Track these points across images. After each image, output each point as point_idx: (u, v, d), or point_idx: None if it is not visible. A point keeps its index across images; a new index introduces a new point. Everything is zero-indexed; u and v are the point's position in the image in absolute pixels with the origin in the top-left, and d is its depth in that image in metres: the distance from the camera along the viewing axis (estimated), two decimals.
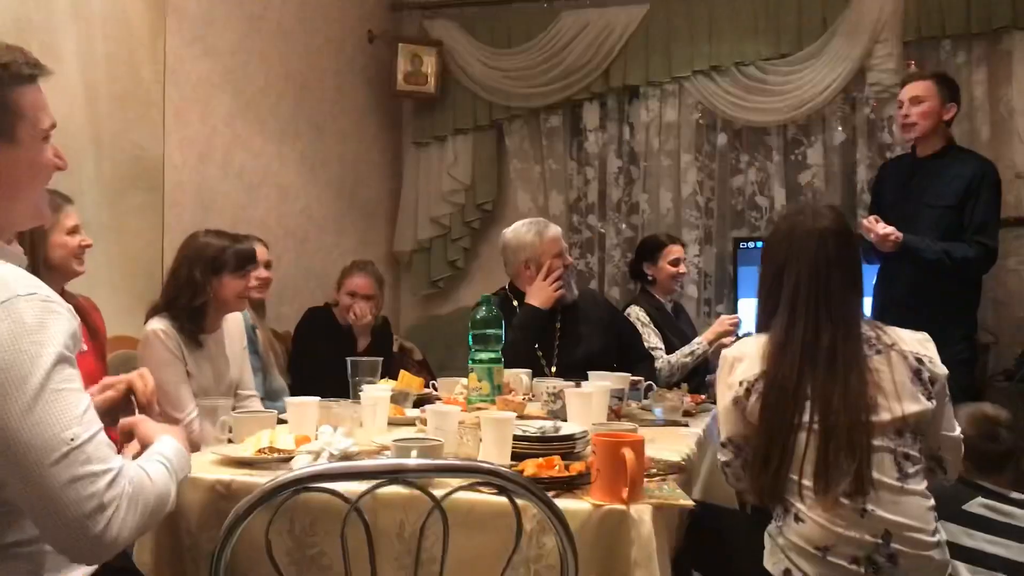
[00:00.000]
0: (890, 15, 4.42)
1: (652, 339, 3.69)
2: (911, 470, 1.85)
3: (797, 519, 1.85)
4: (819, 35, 4.54)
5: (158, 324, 2.57)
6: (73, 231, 2.45)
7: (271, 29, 4.01)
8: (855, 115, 4.64)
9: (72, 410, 1.16)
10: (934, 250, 3.31)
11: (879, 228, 3.28)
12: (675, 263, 3.86)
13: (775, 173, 4.71)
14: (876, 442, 1.82)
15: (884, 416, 1.83)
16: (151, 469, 1.30)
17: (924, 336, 1.95)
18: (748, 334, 3.77)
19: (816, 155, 4.65)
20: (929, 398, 1.87)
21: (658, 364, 3.61)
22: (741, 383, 1.91)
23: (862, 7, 4.47)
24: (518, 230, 3.28)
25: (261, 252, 3.37)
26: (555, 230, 3.27)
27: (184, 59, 3.45)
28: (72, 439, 1.14)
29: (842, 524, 1.80)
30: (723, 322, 3.75)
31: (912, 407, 1.85)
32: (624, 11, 4.80)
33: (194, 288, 2.59)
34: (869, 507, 1.80)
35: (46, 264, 2.35)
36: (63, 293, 2.38)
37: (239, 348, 2.84)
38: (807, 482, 1.82)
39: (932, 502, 1.87)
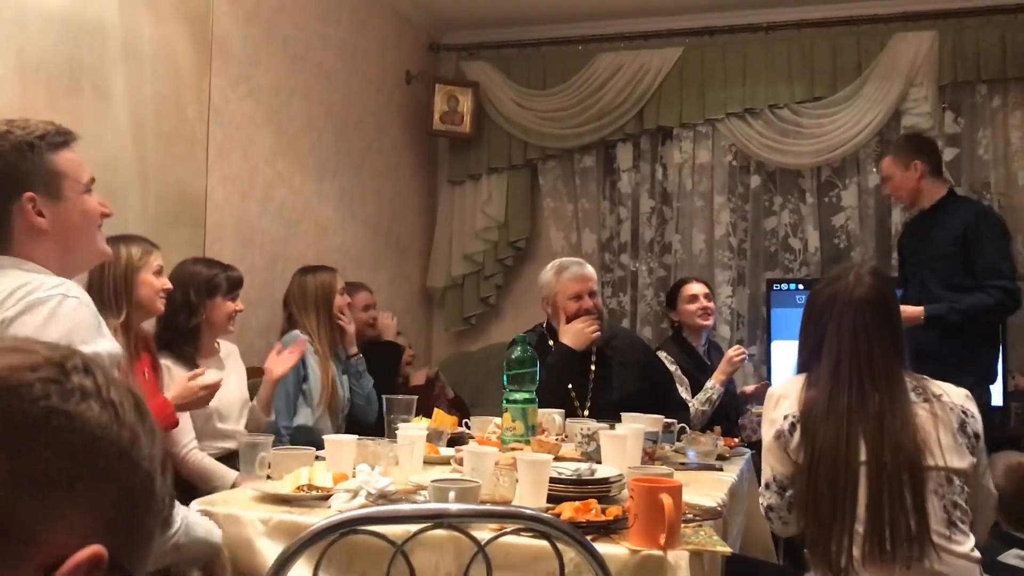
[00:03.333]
0: (925, 59, 4.44)
1: (679, 388, 3.67)
2: (960, 523, 1.82)
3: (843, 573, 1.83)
4: (854, 78, 4.56)
5: (165, 360, 2.67)
6: (158, 272, 2.57)
7: (312, 70, 4.10)
8: None
9: None
10: (956, 310, 3.38)
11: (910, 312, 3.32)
12: (692, 300, 3.84)
13: (808, 215, 4.71)
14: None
15: (929, 462, 1.81)
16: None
17: (967, 393, 1.95)
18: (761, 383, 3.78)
19: (851, 197, 4.65)
20: (972, 453, 1.86)
21: None
22: (785, 417, 1.91)
23: (897, 51, 4.49)
24: (546, 267, 3.27)
25: (341, 280, 3.43)
26: (575, 271, 3.15)
27: (228, 99, 3.54)
28: None
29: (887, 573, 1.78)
30: (729, 359, 3.70)
31: (957, 461, 1.83)
32: (658, 53, 4.86)
33: (189, 309, 2.74)
34: (914, 563, 1.77)
35: (133, 300, 2.47)
36: (140, 329, 2.57)
37: (243, 372, 2.97)
38: (856, 549, 1.79)
39: (979, 555, 1.85)
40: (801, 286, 4.43)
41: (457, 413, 3.47)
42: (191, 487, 2.48)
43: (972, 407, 1.91)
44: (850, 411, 1.85)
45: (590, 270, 3.21)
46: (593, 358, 3.16)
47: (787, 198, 4.80)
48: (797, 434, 1.88)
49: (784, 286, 4.49)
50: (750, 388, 4.01)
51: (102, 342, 1.44)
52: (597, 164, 5.11)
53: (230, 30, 3.54)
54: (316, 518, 1.55)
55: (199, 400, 2.41)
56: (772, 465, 1.94)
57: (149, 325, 2.71)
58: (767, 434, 1.96)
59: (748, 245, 4.81)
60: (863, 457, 1.82)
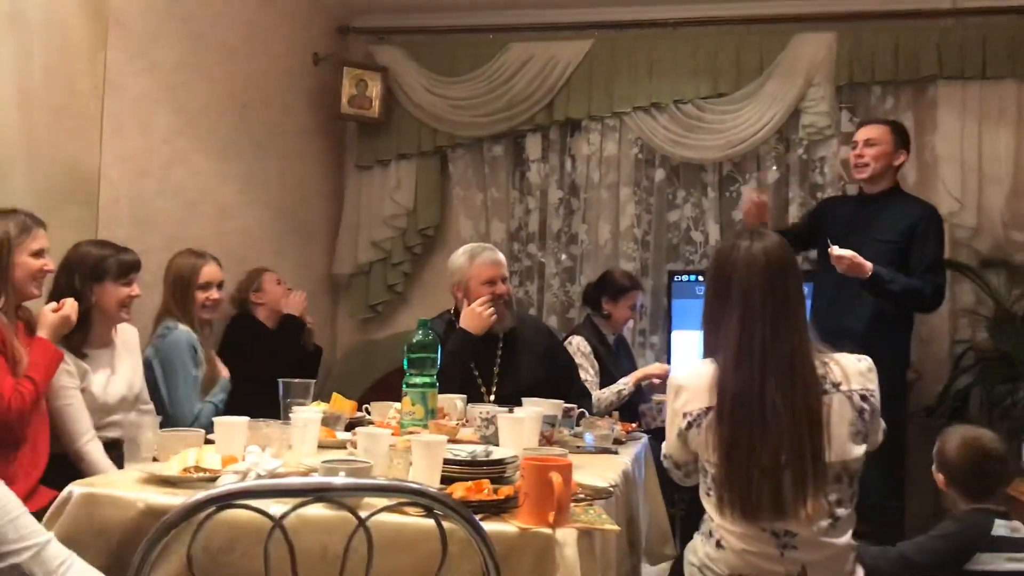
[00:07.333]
0: (823, 60, 4.58)
1: (588, 372, 3.73)
2: (841, 513, 1.88)
3: (719, 545, 1.89)
4: (756, 76, 4.67)
5: None
6: (38, 254, 2.47)
7: (216, 47, 3.99)
8: (789, 155, 4.77)
9: None
10: (898, 281, 3.43)
11: (848, 253, 3.35)
12: (632, 308, 4.03)
13: (710, 209, 4.82)
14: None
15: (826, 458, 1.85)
16: None
17: (867, 365, 1.95)
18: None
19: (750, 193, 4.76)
20: (865, 439, 1.90)
21: None
22: (684, 415, 1.93)
23: (797, 51, 4.62)
24: (456, 252, 3.27)
25: (214, 271, 3.34)
26: (488, 256, 3.18)
27: (125, 73, 3.42)
28: None
29: (761, 557, 1.85)
30: (655, 366, 3.90)
31: (853, 452, 1.88)
32: (569, 45, 4.89)
33: (73, 295, 2.60)
34: (788, 551, 1.84)
35: (8, 282, 2.39)
36: (19, 309, 2.49)
37: (138, 361, 2.88)
38: (728, 504, 1.84)
39: (854, 543, 1.92)
40: (701, 278, 4.54)
41: None
42: None
43: (872, 382, 1.93)
44: (763, 352, 1.85)
45: (501, 256, 3.25)
46: (500, 344, 3.18)
47: (690, 192, 4.89)
48: (693, 431, 1.91)
49: (685, 278, 4.59)
50: (658, 381, 4.09)
51: None
52: (507, 154, 5.12)
53: (128, 3, 3.41)
54: None
55: (65, 321, 2.48)
56: (672, 446, 2.00)
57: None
58: (670, 422, 1.99)
59: (652, 237, 4.90)
60: (778, 400, 1.82)
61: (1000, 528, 2.30)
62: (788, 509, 1.81)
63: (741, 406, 1.84)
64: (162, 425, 2.42)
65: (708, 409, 1.89)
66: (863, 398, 1.90)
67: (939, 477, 2.45)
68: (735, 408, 1.85)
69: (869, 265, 3.36)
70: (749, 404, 1.83)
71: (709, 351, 1.98)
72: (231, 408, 2.94)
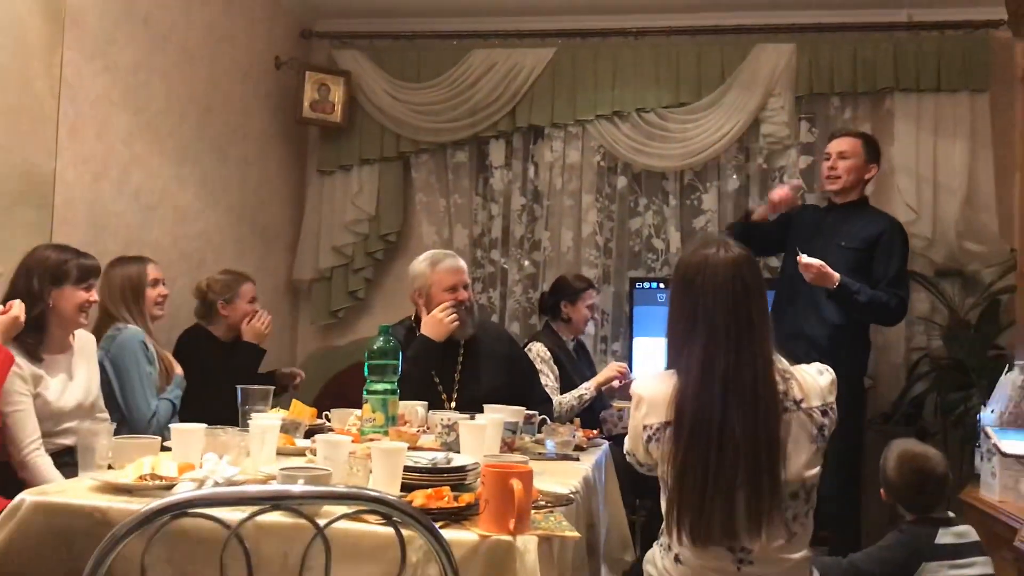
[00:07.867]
0: (783, 70, 4.64)
1: (548, 378, 3.73)
2: (797, 529, 1.88)
3: (677, 560, 1.90)
4: (717, 85, 4.72)
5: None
6: None
7: (175, 50, 3.94)
8: (749, 164, 4.83)
9: None
10: (865, 292, 3.49)
11: (817, 262, 3.40)
12: (591, 308, 4.03)
13: (671, 217, 4.86)
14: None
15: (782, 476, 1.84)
16: None
17: (830, 379, 1.94)
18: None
19: (711, 201, 4.81)
20: (825, 453, 1.90)
21: None
22: (645, 428, 1.92)
23: (758, 61, 4.67)
24: (417, 259, 3.27)
25: (158, 269, 3.30)
26: (450, 263, 3.18)
27: (82, 75, 3.36)
28: None
29: (718, 572, 1.85)
30: (612, 367, 3.85)
31: (810, 471, 1.88)
32: (532, 53, 4.90)
33: (31, 298, 2.57)
34: (744, 566, 1.84)
35: None
36: None
37: (95, 368, 2.84)
38: (723, 518, 1.82)
39: (810, 554, 1.93)
40: (662, 285, 4.57)
41: None
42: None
43: (832, 395, 1.92)
44: (726, 382, 1.83)
45: (463, 262, 3.25)
46: (461, 351, 3.17)
47: (651, 200, 4.93)
48: (653, 443, 1.91)
49: (646, 285, 4.62)
50: (617, 384, 4.10)
51: None
52: (470, 160, 5.12)
53: (85, 3, 3.36)
54: None
55: (14, 323, 2.47)
56: (636, 448, 1.98)
57: None
58: (632, 429, 1.98)
59: (613, 244, 4.93)
60: (738, 427, 1.80)
61: (946, 535, 2.34)
62: (740, 535, 1.82)
63: (700, 430, 1.83)
64: (119, 425, 2.38)
65: (666, 424, 1.89)
66: (823, 413, 1.89)
67: (882, 491, 2.49)
68: (693, 432, 1.84)
69: (836, 276, 3.41)
70: (708, 430, 1.82)
71: (671, 366, 1.97)
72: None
